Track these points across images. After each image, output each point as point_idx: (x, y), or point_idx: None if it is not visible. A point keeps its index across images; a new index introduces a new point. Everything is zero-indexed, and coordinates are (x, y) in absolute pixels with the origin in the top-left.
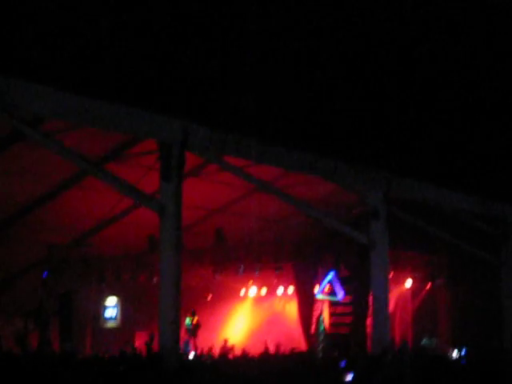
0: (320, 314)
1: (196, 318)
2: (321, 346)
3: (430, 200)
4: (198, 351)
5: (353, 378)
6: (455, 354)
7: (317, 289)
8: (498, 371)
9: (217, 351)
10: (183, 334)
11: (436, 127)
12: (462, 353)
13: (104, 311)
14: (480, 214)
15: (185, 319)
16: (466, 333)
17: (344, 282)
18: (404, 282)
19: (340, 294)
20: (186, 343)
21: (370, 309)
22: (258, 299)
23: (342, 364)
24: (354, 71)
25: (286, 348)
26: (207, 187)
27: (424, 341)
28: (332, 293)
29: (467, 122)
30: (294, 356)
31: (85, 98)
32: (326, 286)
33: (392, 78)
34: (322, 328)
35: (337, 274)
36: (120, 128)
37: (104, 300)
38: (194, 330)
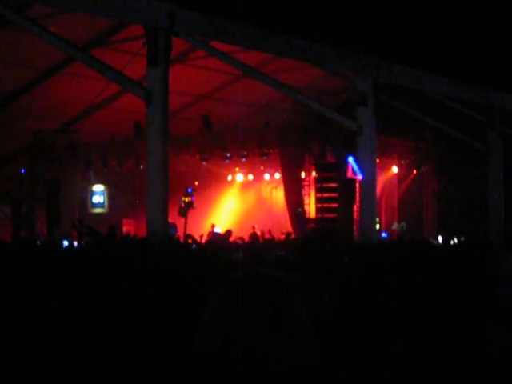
0: (302, 198)
1: (189, 198)
2: (304, 231)
3: (418, 86)
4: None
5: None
6: (440, 240)
7: (303, 175)
8: (478, 256)
9: (204, 237)
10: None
11: (425, 11)
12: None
13: (91, 197)
14: (467, 101)
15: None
16: (452, 221)
17: (330, 169)
18: (390, 168)
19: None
20: (172, 226)
21: (357, 195)
22: (246, 184)
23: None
24: None
25: (274, 233)
26: (194, 73)
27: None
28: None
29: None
30: (286, 243)
31: None
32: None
33: None
34: (299, 210)
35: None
36: (106, 12)
37: (91, 187)
38: (184, 209)
